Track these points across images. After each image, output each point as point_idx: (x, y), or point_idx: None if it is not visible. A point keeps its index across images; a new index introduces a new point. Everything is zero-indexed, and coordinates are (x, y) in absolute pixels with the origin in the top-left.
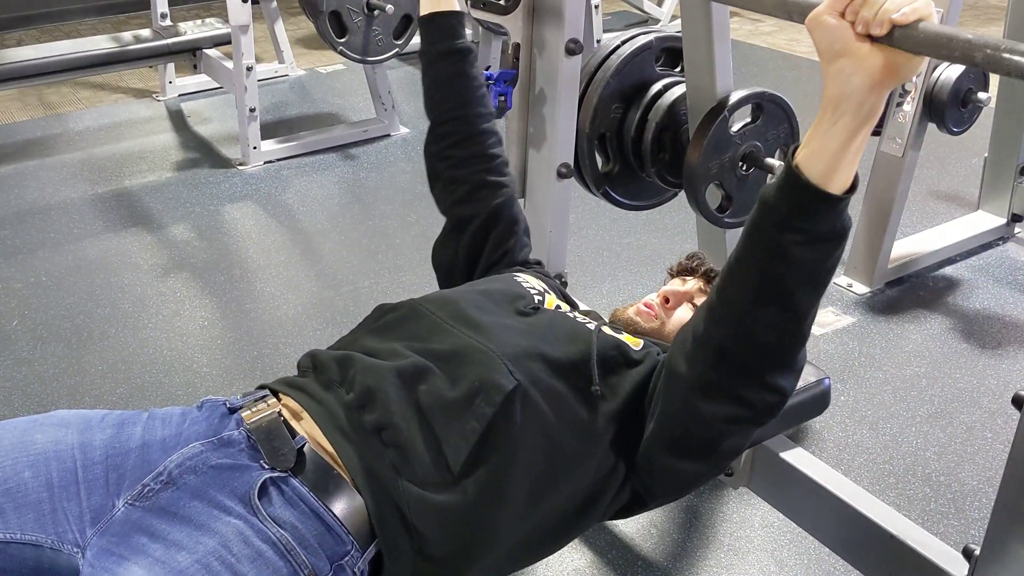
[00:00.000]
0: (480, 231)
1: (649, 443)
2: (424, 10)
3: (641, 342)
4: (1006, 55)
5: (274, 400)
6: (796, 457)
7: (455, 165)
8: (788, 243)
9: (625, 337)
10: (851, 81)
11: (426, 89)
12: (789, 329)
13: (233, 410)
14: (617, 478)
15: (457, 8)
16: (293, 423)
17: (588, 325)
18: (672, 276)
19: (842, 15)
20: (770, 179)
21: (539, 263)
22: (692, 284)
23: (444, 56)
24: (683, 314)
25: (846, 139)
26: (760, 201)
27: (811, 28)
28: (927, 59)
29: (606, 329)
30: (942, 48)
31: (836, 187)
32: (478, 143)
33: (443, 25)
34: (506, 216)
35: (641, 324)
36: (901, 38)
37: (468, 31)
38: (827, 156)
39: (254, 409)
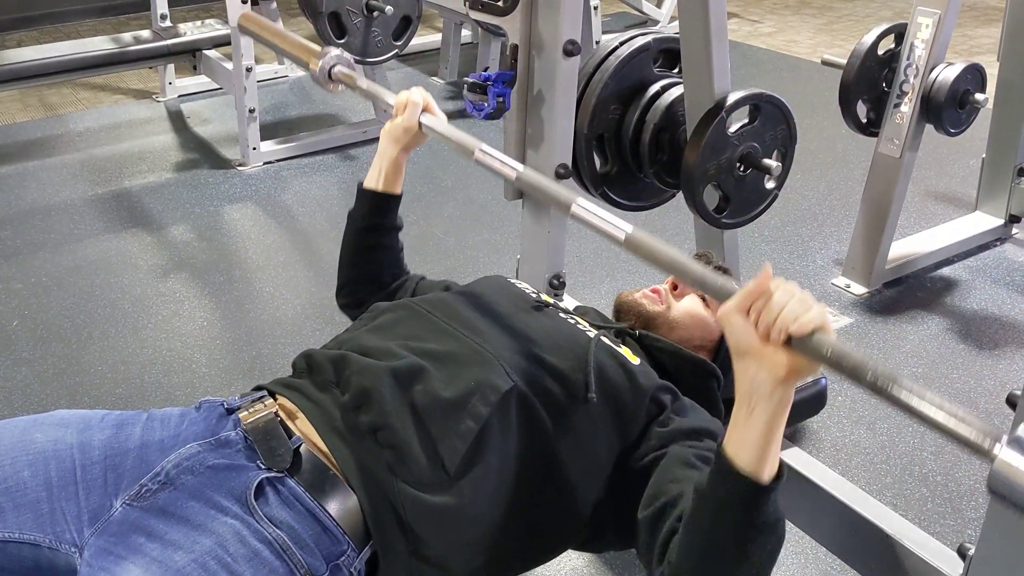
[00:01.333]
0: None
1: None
2: (370, 186)
3: (639, 359)
4: (891, 387)
5: (271, 401)
6: (793, 457)
7: (364, 305)
8: (725, 532)
9: (623, 349)
10: (757, 376)
11: (345, 249)
12: None
13: (231, 411)
14: (609, 496)
15: (399, 192)
16: (289, 424)
17: (588, 332)
18: None
19: (748, 313)
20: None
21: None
22: None
23: (377, 229)
24: (689, 303)
25: (764, 427)
26: (695, 493)
27: (721, 323)
28: None
29: (604, 338)
30: (832, 363)
31: (764, 475)
32: (387, 286)
33: (389, 205)
34: (402, 288)
35: (646, 306)
36: (798, 346)
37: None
38: (751, 445)
39: (251, 410)
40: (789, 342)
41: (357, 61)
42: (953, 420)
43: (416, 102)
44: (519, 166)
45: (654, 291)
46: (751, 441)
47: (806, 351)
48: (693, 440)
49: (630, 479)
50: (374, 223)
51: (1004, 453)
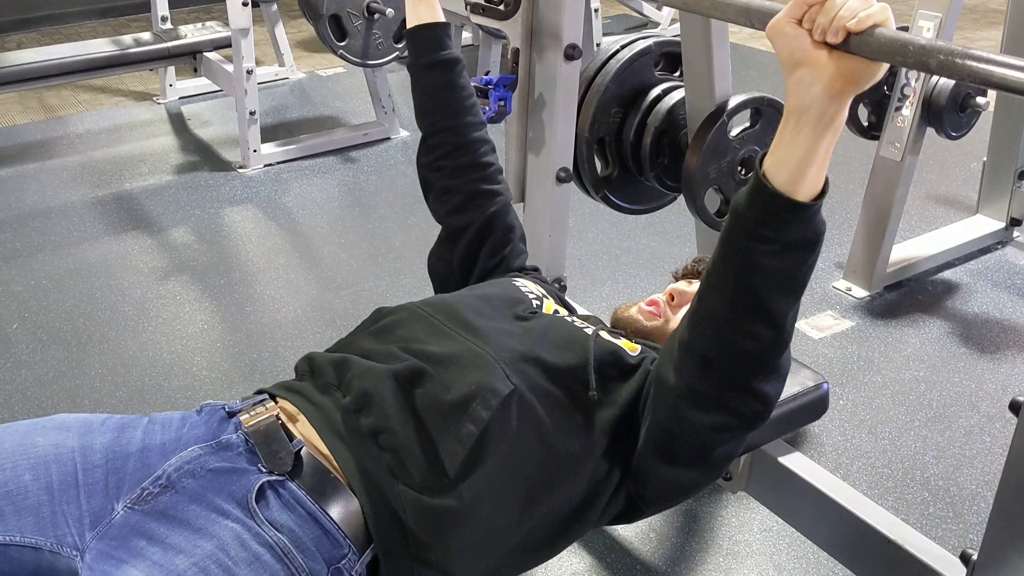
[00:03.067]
0: (475, 240)
1: (642, 451)
2: (410, 22)
3: (638, 347)
4: (959, 60)
5: (272, 404)
6: (794, 461)
7: (448, 175)
8: (758, 252)
9: (622, 342)
10: (811, 90)
11: (416, 101)
12: (768, 336)
13: (232, 414)
14: (612, 483)
15: (442, 19)
16: (290, 426)
17: (586, 330)
18: (676, 279)
19: (800, 23)
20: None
21: (536, 269)
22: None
23: (432, 67)
24: None
25: (809, 147)
26: (731, 209)
27: (771, 37)
28: (886, 65)
29: (603, 334)
30: (897, 54)
31: (804, 194)
32: (470, 152)
33: (429, 36)
34: (501, 224)
35: (643, 322)
36: (857, 45)
37: (467, 32)
38: (792, 164)
39: (252, 413)
40: (846, 44)
41: (358, 63)
42: None
43: None
44: None
45: (651, 303)
46: (793, 162)
47: (868, 48)
48: None
49: (630, 433)
50: (431, 59)
51: None
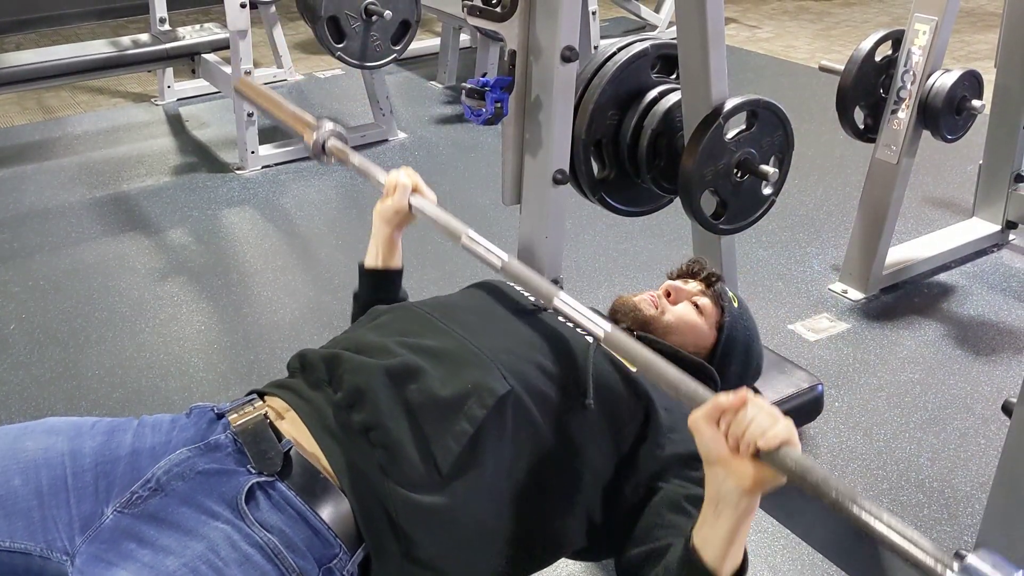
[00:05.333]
0: None
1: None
2: (370, 265)
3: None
4: (850, 504)
5: (260, 403)
6: None
7: None
8: None
9: (624, 359)
10: (725, 485)
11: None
12: None
13: (220, 415)
14: (601, 497)
15: (399, 266)
16: (279, 424)
17: (587, 338)
18: (672, 279)
19: (717, 426)
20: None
21: None
22: (693, 286)
23: (380, 304)
24: (682, 310)
25: (729, 531)
26: (665, 572)
27: (692, 430)
28: None
29: (603, 345)
30: (797, 478)
31: (726, 570)
32: None
33: (390, 281)
34: None
35: (643, 311)
36: (765, 459)
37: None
38: (715, 542)
39: (240, 412)
40: (757, 455)
41: (356, 65)
42: (908, 543)
43: (405, 184)
44: (503, 255)
45: (650, 296)
46: (716, 540)
47: (773, 464)
48: (688, 470)
49: (623, 501)
50: (378, 299)
51: None
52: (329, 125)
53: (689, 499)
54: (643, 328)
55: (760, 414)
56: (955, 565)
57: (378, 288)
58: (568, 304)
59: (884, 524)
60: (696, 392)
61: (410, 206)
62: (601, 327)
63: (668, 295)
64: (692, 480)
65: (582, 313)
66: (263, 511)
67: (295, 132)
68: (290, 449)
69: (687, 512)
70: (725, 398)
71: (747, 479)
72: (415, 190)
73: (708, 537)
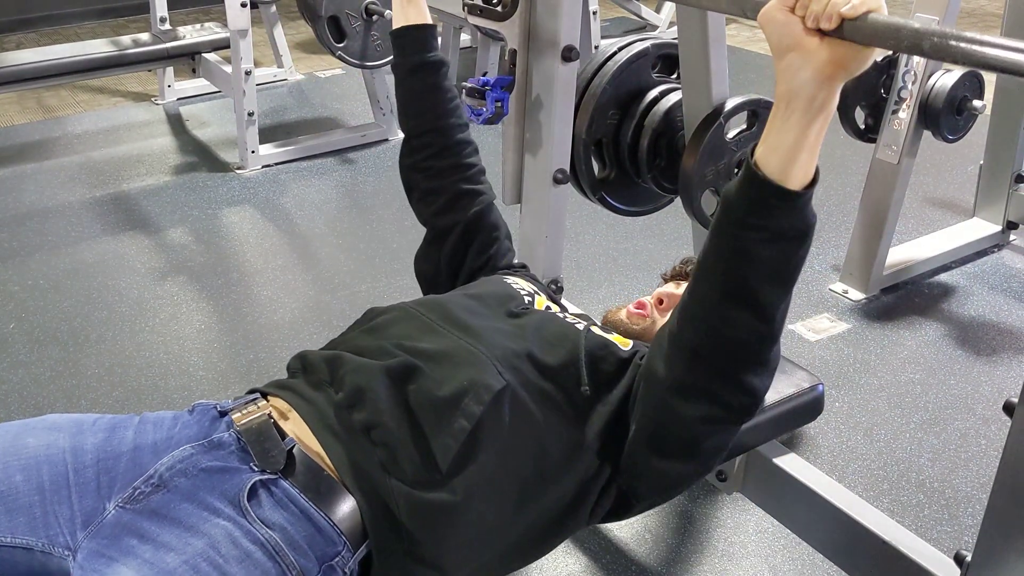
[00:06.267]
0: (461, 240)
1: (632, 444)
2: (396, 23)
3: (631, 343)
4: (952, 43)
5: (264, 402)
6: (790, 463)
7: (432, 176)
8: (749, 241)
9: (614, 337)
10: (800, 75)
11: (400, 103)
12: (758, 328)
13: (224, 413)
14: (603, 478)
15: (429, 21)
16: (282, 423)
17: (577, 325)
18: (666, 281)
19: (792, 10)
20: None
21: (524, 267)
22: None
23: (417, 69)
24: None
25: (800, 133)
26: (722, 199)
27: (762, 24)
28: (877, 51)
29: (595, 329)
30: (890, 38)
31: (794, 182)
32: (455, 154)
33: (416, 38)
34: (486, 224)
35: (631, 326)
36: (851, 31)
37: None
38: (782, 151)
39: (244, 411)
40: (839, 31)
41: (356, 64)
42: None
43: None
44: None
45: (639, 305)
46: (784, 148)
47: (859, 35)
48: None
49: (622, 427)
50: (416, 61)
51: None
52: None
53: (724, 188)
54: (638, 339)
55: None
56: None
57: (412, 49)
58: None
59: (996, 47)
60: None
61: None
62: None
63: (660, 303)
64: None
65: None
66: (265, 508)
67: None
68: (293, 447)
69: None
70: None
71: (828, 63)
72: None
73: (775, 145)
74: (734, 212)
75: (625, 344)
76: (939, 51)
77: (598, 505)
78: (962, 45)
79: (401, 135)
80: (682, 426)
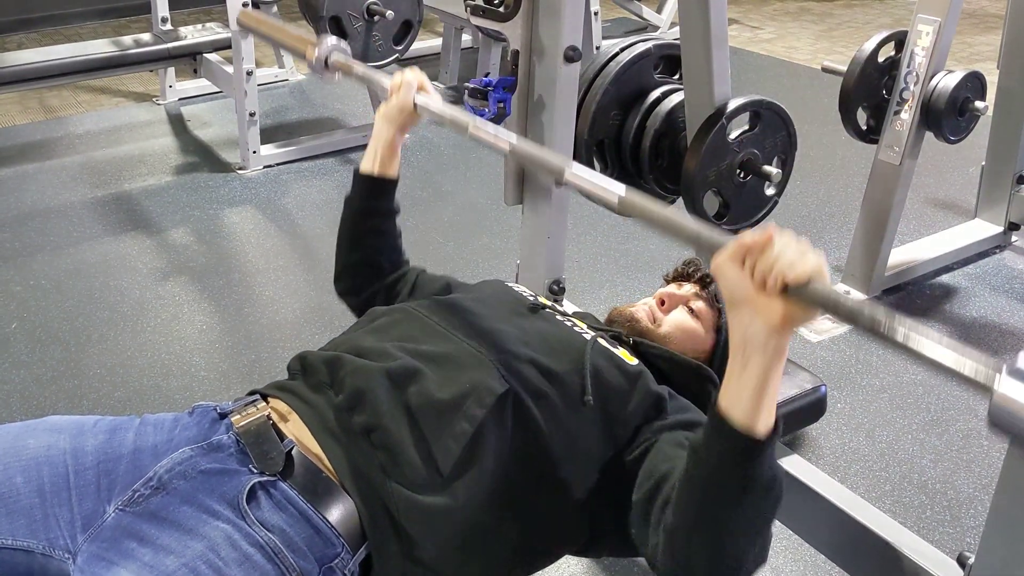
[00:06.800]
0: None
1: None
2: (366, 169)
3: (636, 360)
4: (887, 328)
5: (263, 404)
6: (792, 464)
7: (363, 296)
8: (720, 493)
9: (621, 351)
10: (752, 327)
11: (343, 237)
12: (729, 568)
13: (223, 415)
14: (603, 490)
15: (396, 175)
16: (281, 425)
17: (584, 335)
18: (668, 282)
19: (742, 265)
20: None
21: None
22: (688, 288)
23: (373, 213)
24: (678, 317)
25: (759, 380)
26: (690, 450)
27: (715, 275)
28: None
29: (601, 340)
30: (829, 310)
31: (760, 430)
32: (387, 276)
33: (383, 188)
34: (403, 280)
35: (640, 321)
36: (794, 294)
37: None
38: (745, 398)
39: (243, 413)
40: (785, 291)
41: None
42: (953, 356)
43: (410, 82)
44: (512, 137)
45: (650, 308)
46: (746, 395)
47: (803, 298)
48: (687, 430)
49: (625, 476)
50: (371, 207)
51: (1004, 385)
52: (331, 39)
53: (691, 439)
54: (640, 336)
55: (787, 248)
56: (1003, 369)
57: (371, 196)
58: (582, 176)
59: (926, 341)
60: (717, 237)
61: (415, 104)
62: (615, 191)
63: (662, 303)
64: (693, 434)
65: (596, 183)
66: (264, 510)
67: (299, 52)
68: (292, 449)
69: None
70: (750, 236)
71: (776, 316)
72: (420, 88)
73: (736, 394)
74: (703, 464)
75: (631, 359)
76: (876, 333)
77: (599, 534)
78: (897, 335)
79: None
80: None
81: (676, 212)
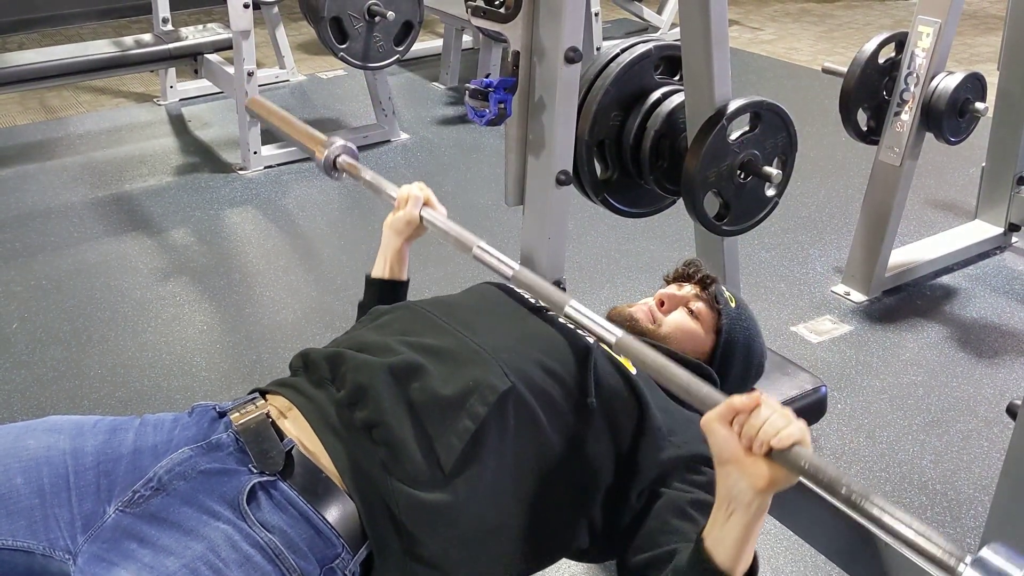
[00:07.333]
0: None
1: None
2: (377, 275)
3: (636, 370)
4: (862, 501)
5: (263, 401)
6: None
7: None
8: None
9: (622, 359)
10: (738, 484)
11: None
12: None
13: (222, 414)
14: (602, 493)
15: (406, 278)
16: (281, 423)
17: (588, 338)
18: (668, 283)
19: (731, 426)
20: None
21: None
22: (688, 290)
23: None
24: (678, 318)
25: (741, 532)
26: (675, 572)
27: (705, 431)
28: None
29: (604, 345)
30: (810, 477)
31: (739, 571)
32: None
33: (391, 290)
34: None
35: (640, 322)
36: (778, 458)
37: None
38: (727, 545)
39: (242, 411)
40: (769, 454)
41: (358, 66)
42: (921, 538)
43: (417, 196)
44: (515, 265)
45: (649, 310)
46: (728, 541)
47: (786, 464)
48: (691, 473)
49: (626, 505)
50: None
51: (967, 574)
52: (340, 142)
53: (694, 504)
54: (640, 337)
55: (774, 415)
56: (968, 559)
57: (383, 299)
58: (580, 312)
59: (897, 520)
60: (709, 395)
61: (421, 218)
62: (613, 333)
63: (662, 304)
64: (696, 484)
65: (593, 320)
66: (264, 511)
67: (307, 150)
68: (292, 448)
69: (692, 518)
70: (739, 399)
71: (760, 478)
72: (427, 203)
73: (720, 538)
74: None
75: (632, 368)
76: (849, 504)
77: (596, 536)
78: (871, 508)
79: (403, 136)
80: None
81: (669, 362)
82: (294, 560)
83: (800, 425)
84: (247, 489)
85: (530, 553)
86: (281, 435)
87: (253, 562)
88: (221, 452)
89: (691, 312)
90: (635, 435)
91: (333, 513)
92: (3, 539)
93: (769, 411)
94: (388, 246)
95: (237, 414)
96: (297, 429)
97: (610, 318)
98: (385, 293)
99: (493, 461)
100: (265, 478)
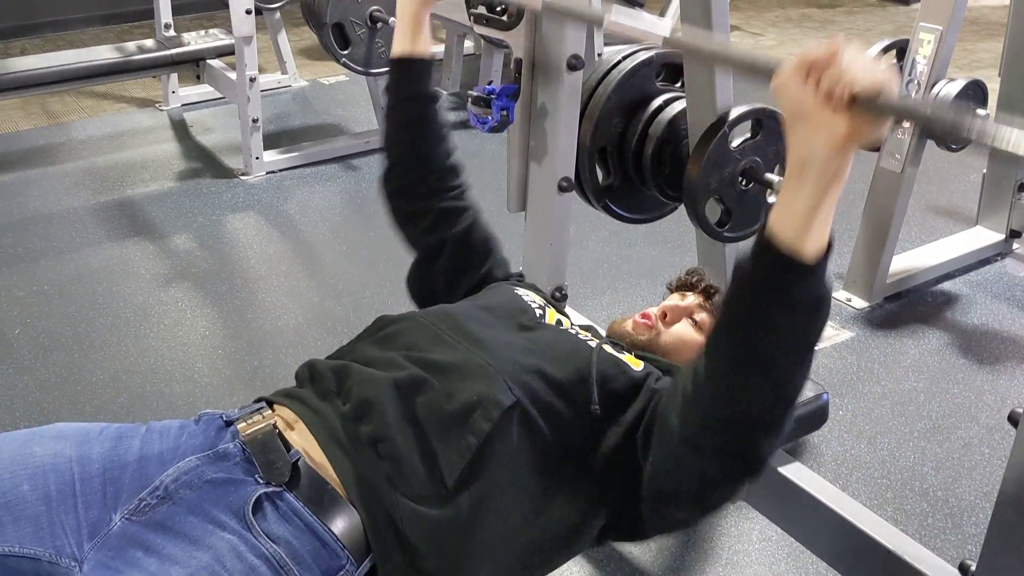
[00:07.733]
0: (453, 257)
1: (642, 487)
2: (396, 52)
3: (642, 364)
4: (963, 127)
5: (270, 412)
6: (794, 472)
7: (415, 199)
8: (765, 312)
9: (626, 357)
10: (813, 145)
11: (388, 127)
12: (774, 398)
13: (229, 423)
14: (610, 502)
15: (430, 54)
16: (287, 434)
17: (589, 342)
18: (671, 292)
19: (806, 81)
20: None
21: (521, 276)
22: (691, 299)
23: (414, 99)
24: (681, 329)
25: (814, 202)
26: (735, 268)
27: (776, 93)
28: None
29: (607, 347)
30: (902, 117)
31: (809, 251)
32: (439, 178)
33: (418, 70)
34: (476, 239)
35: (636, 336)
36: (863, 105)
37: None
38: (797, 220)
39: (249, 421)
40: (851, 104)
41: (360, 71)
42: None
43: None
44: None
45: (644, 316)
46: (798, 214)
47: (873, 109)
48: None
49: (630, 456)
50: (408, 92)
51: None
52: None
53: (737, 258)
54: (647, 352)
55: (856, 60)
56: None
57: (405, 79)
58: (623, 23)
59: (1010, 139)
60: (771, 58)
61: None
62: (660, 33)
63: (664, 316)
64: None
65: (638, 28)
66: (270, 522)
67: None
68: (298, 459)
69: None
70: (815, 47)
71: (839, 131)
72: None
73: (788, 213)
74: (748, 283)
75: (636, 364)
76: (950, 133)
77: (606, 528)
78: (975, 121)
79: None
80: (691, 480)
81: (722, 43)
82: (299, 572)
83: (887, 70)
84: (253, 500)
85: (536, 563)
86: (288, 446)
87: (258, 573)
88: (228, 462)
89: (695, 323)
90: (645, 429)
91: (338, 525)
92: (10, 546)
93: (851, 56)
94: (404, 13)
95: (244, 424)
96: (303, 441)
97: (608, 334)
98: (406, 73)
99: (498, 476)
100: (271, 489)
